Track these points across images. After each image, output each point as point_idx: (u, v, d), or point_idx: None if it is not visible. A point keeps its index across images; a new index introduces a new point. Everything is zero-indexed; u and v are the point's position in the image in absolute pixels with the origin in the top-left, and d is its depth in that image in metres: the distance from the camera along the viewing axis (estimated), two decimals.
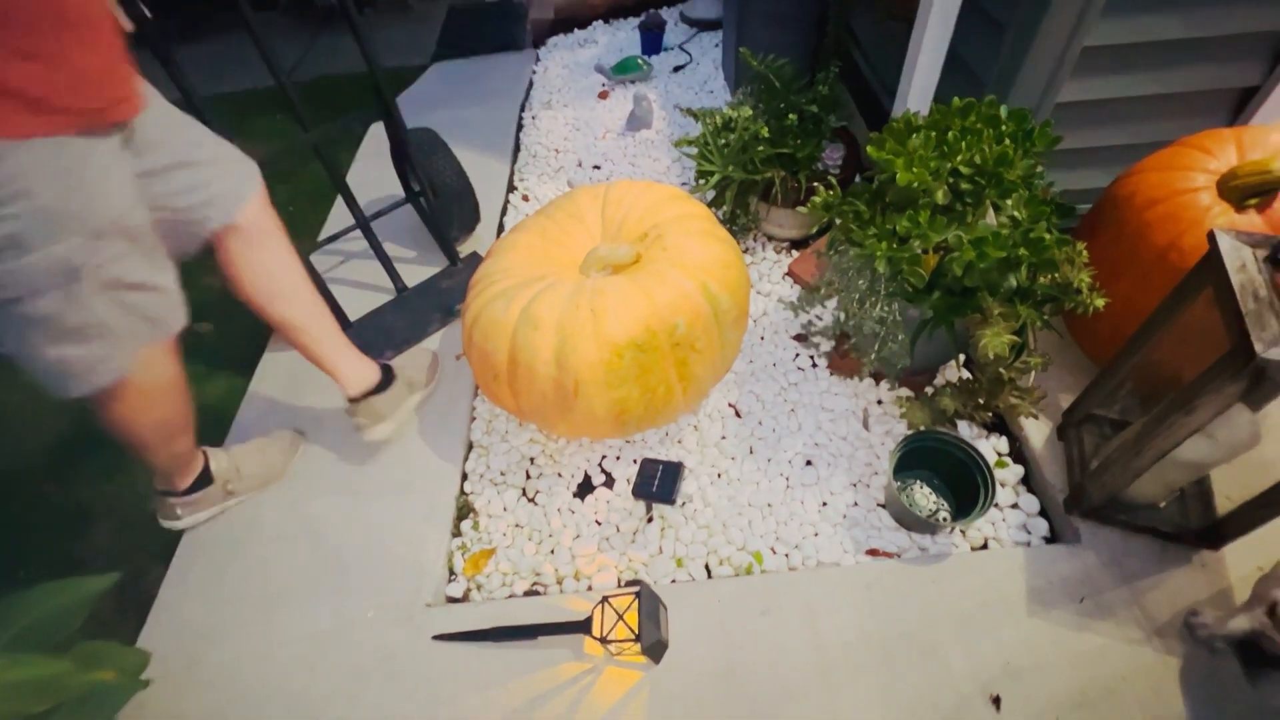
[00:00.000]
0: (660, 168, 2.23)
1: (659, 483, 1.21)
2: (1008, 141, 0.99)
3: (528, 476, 1.45)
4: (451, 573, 1.31)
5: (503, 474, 1.45)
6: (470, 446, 1.51)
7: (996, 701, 1.02)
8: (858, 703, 1.04)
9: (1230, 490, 1.14)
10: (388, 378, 1.41)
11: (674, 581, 1.24)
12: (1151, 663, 1.04)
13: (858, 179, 1.54)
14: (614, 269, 1.29)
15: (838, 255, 1.25)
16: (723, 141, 1.58)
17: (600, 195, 1.42)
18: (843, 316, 1.38)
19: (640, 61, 2.67)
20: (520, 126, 2.55)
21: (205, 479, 1.30)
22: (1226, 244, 0.87)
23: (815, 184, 1.66)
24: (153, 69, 1.05)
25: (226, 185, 1.08)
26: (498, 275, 1.32)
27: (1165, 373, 1.12)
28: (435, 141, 1.81)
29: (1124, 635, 1.06)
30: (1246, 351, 0.77)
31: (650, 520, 1.33)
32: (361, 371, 1.36)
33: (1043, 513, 1.25)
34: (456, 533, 1.37)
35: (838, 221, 1.24)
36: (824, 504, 1.32)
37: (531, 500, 1.41)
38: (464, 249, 1.97)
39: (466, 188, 1.88)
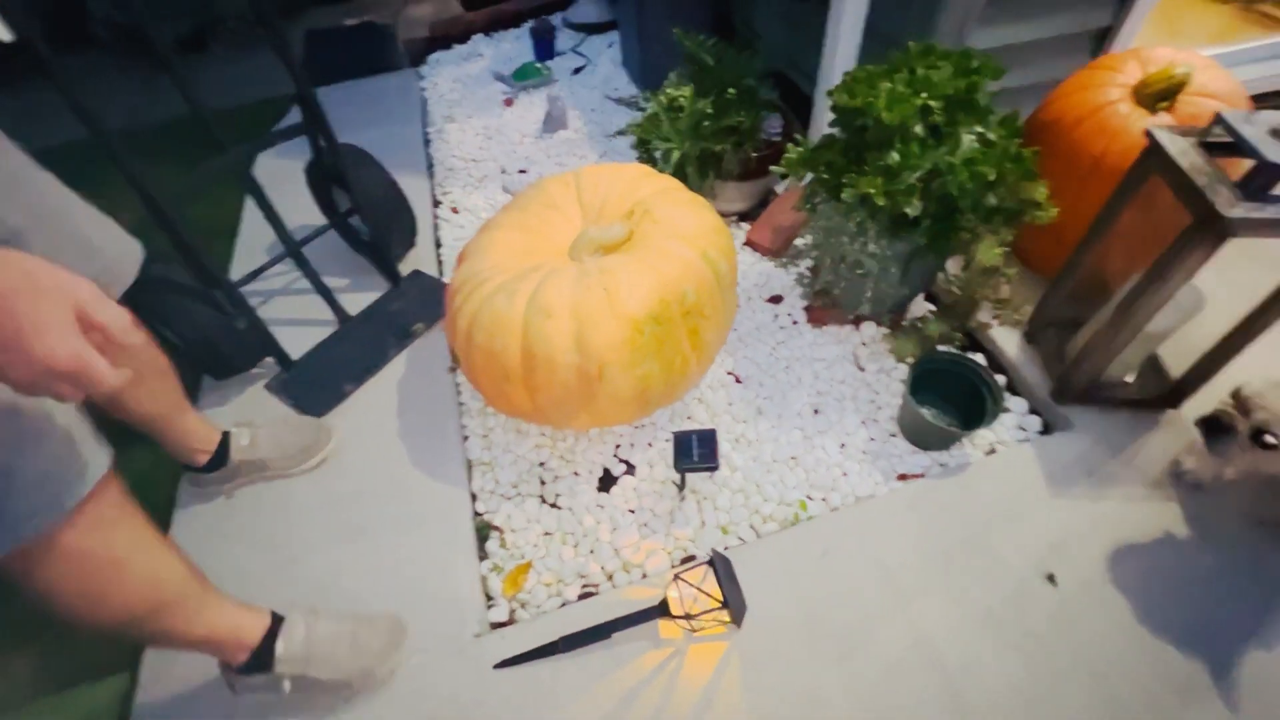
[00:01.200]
0: (588, 163, 2.22)
1: (699, 451, 1.20)
2: (973, 75, 1.09)
3: (542, 483, 1.37)
4: (489, 597, 1.21)
5: (514, 486, 1.37)
6: (470, 466, 1.41)
7: (1051, 578, 1.11)
8: (934, 609, 1.09)
9: (1173, 360, 1.32)
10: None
11: (725, 549, 1.23)
12: (1158, 511, 1.18)
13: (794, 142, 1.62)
14: (605, 250, 1.27)
15: (818, 208, 1.30)
16: (672, 119, 1.60)
17: (571, 182, 1.39)
18: (821, 270, 1.45)
19: (539, 67, 2.66)
20: (428, 142, 2.44)
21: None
22: (1165, 138, 1.02)
23: (758, 155, 1.74)
24: None
25: None
26: (487, 273, 1.24)
27: (1110, 267, 1.28)
28: (363, 156, 1.69)
29: (1130, 495, 1.20)
30: (1213, 216, 0.91)
31: (684, 497, 1.31)
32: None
33: (1032, 411, 1.39)
34: (484, 555, 1.27)
35: (808, 178, 1.31)
36: (842, 445, 1.37)
37: (554, 505, 1.33)
38: (403, 268, 1.84)
39: (402, 202, 1.76)
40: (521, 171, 2.23)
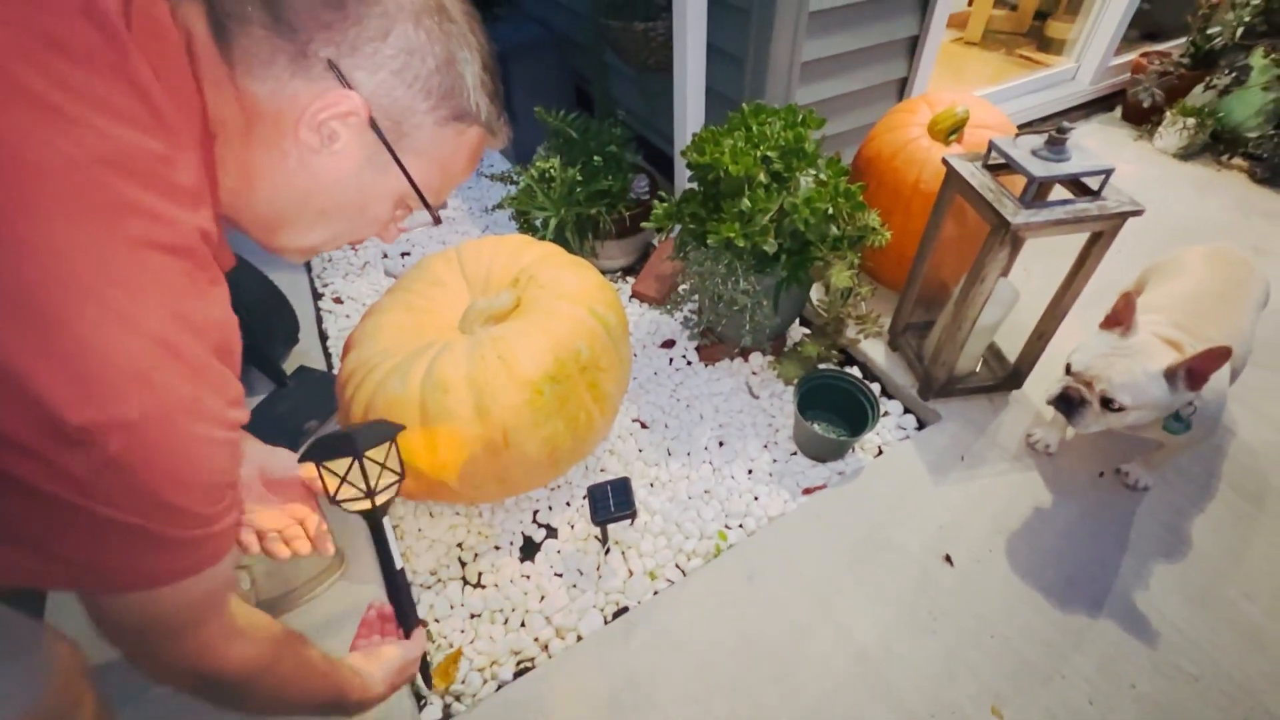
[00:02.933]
0: (473, 238, 2.25)
1: (614, 500, 1.22)
2: (799, 127, 1.26)
3: (462, 564, 1.33)
4: (420, 697, 1.14)
5: (433, 573, 1.32)
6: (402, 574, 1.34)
7: (948, 558, 1.22)
8: (853, 609, 1.16)
9: (1009, 348, 1.52)
10: None
11: (656, 593, 1.24)
12: (1022, 480, 1.33)
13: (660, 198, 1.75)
14: (495, 319, 1.29)
15: (690, 255, 1.41)
16: (545, 190, 1.69)
17: (454, 258, 1.42)
18: (703, 311, 1.55)
19: None
20: None
21: None
22: (957, 163, 1.22)
23: (630, 213, 1.86)
24: None
25: None
26: (377, 358, 1.23)
27: (944, 273, 1.47)
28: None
29: (996, 470, 1.35)
30: (1004, 223, 1.09)
31: (608, 550, 1.32)
32: None
33: (906, 411, 1.53)
34: None
35: (676, 230, 1.42)
36: (749, 471, 1.44)
37: (478, 585, 1.30)
38: (288, 366, 1.76)
39: (280, 299, 1.70)
40: (404, 255, 2.23)
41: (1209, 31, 2.33)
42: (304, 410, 1.61)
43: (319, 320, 1.99)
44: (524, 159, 2.11)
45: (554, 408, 1.19)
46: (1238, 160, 2.24)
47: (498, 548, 1.34)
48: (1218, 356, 0.96)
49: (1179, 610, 1.14)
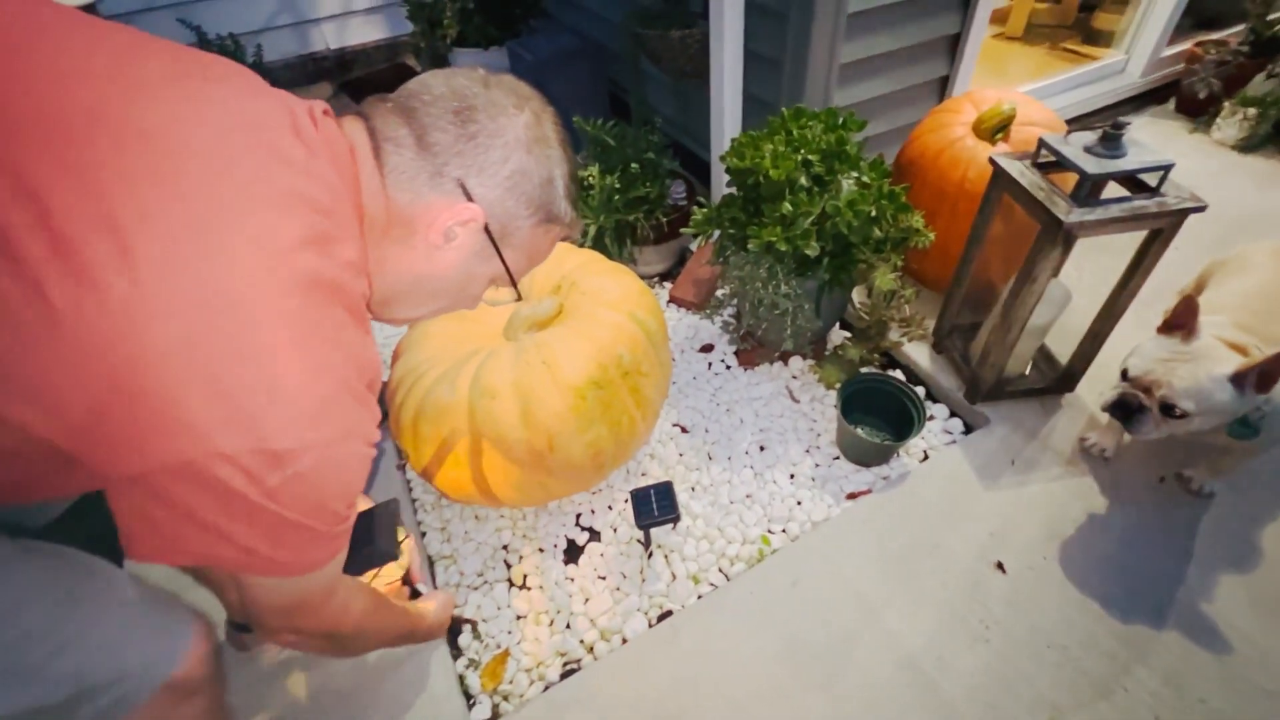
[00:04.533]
0: None
1: (658, 505, 1.22)
2: (840, 130, 1.25)
3: (508, 566, 1.35)
4: (469, 696, 1.17)
5: (480, 575, 1.34)
6: (431, 562, 1.38)
7: (1000, 565, 1.19)
8: (902, 616, 1.14)
9: (1061, 350, 1.48)
10: None
11: (700, 597, 1.24)
12: (1077, 485, 1.29)
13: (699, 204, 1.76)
14: (538, 326, 1.32)
15: (730, 260, 1.42)
16: (585, 197, 1.71)
17: None
18: (743, 315, 1.55)
19: None
20: None
21: None
22: (1005, 162, 1.19)
23: (667, 218, 1.87)
24: None
25: None
26: (424, 366, 1.27)
27: (991, 274, 1.44)
28: None
29: (1049, 475, 1.31)
30: (1056, 222, 1.06)
31: (651, 554, 1.33)
32: None
33: (952, 415, 1.50)
34: (457, 652, 1.23)
35: (716, 234, 1.43)
36: (792, 476, 1.43)
37: (523, 586, 1.32)
38: None
39: None
40: None
41: (1270, 18, 2.23)
42: None
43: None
44: None
45: (597, 412, 1.20)
46: None
47: (542, 550, 1.36)
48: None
49: (1250, 622, 1.09)
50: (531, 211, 0.67)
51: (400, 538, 1.06)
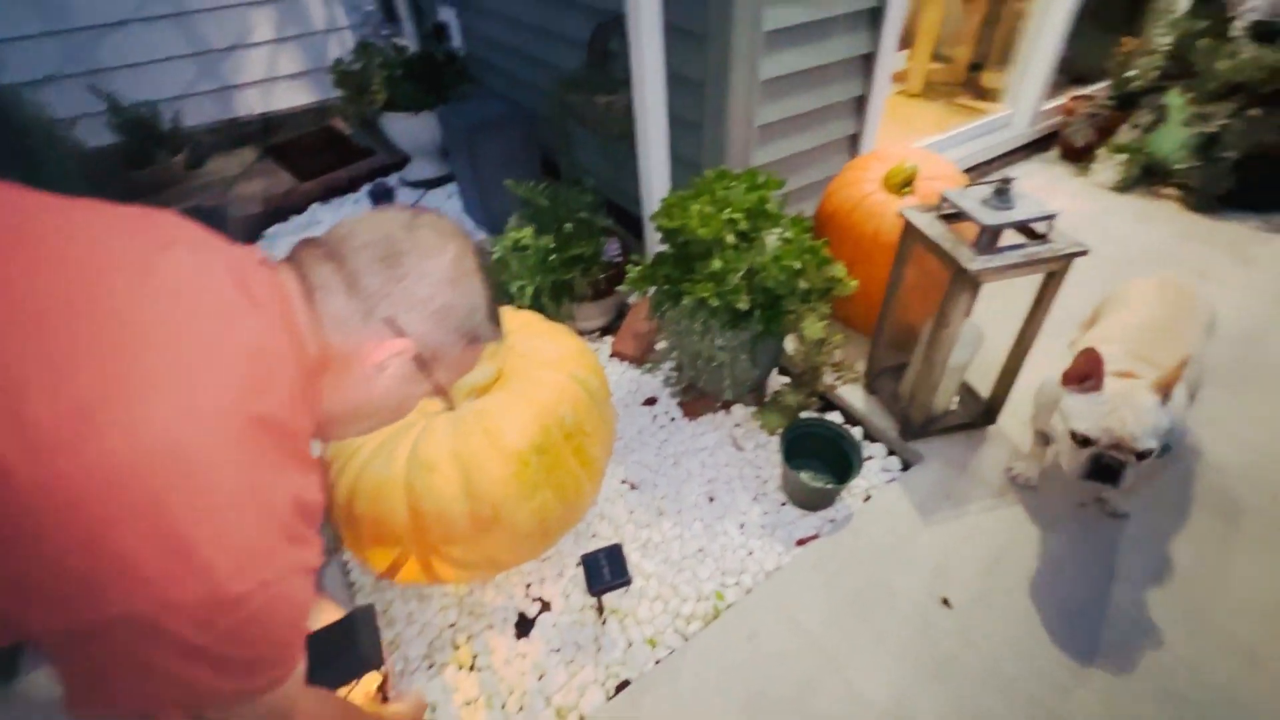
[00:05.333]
0: None
1: (609, 570, 1.20)
2: (760, 189, 1.32)
3: (455, 646, 1.29)
4: None
5: (426, 658, 1.27)
6: None
7: (946, 601, 1.22)
8: (862, 658, 1.15)
9: (981, 384, 1.57)
10: None
11: (658, 663, 1.21)
12: (1008, 515, 1.35)
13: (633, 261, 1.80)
14: (478, 392, 1.30)
15: (666, 315, 1.45)
16: (520, 259, 1.72)
17: None
18: (683, 367, 1.58)
19: None
20: None
21: None
22: (913, 215, 1.28)
23: (604, 275, 1.90)
24: None
25: None
26: (359, 440, 1.22)
27: (911, 317, 1.53)
28: None
29: (982, 507, 1.37)
30: (962, 270, 1.14)
31: (605, 620, 1.29)
32: None
33: (890, 453, 1.55)
34: None
35: (651, 290, 1.46)
36: (742, 526, 1.44)
37: (472, 668, 1.25)
38: None
39: None
40: None
41: (1127, 75, 2.53)
42: None
43: None
44: (496, 228, 2.16)
45: (542, 477, 1.18)
46: (1170, 189, 2.39)
47: (491, 627, 1.30)
48: (1181, 365, 1.02)
49: (1175, 636, 1.15)
50: (459, 337, 0.72)
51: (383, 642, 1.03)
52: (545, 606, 1.33)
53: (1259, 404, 1.55)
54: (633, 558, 1.38)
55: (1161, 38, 2.47)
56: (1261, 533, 1.30)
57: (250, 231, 3.09)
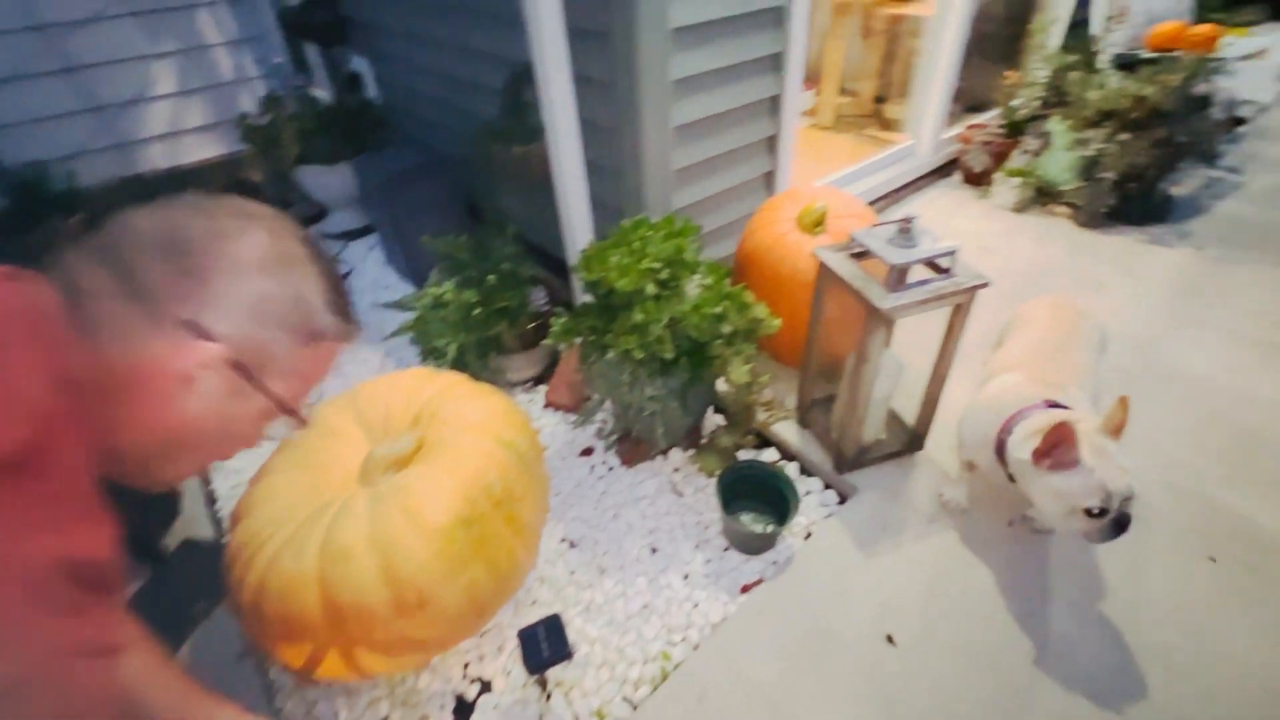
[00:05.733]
0: (372, 367, 2.18)
1: (548, 644, 1.14)
2: (677, 237, 1.32)
3: None
4: None
5: None
6: None
7: (890, 639, 1.21)
8: (814, 707, 1.13)
9: (907, 410, 1.61)
10: None
11: None
12: (942, 542, 1.38)
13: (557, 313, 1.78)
14: (398, 465, 1.23)
15: (594, 366, 1.42)
16: (440, 316, 1.66)
17: (349, 404, 1.35)
18: (617, 416, 1.55)
19: None
20: None
21: None
22: (826, 255, 1.31)
23: (533, 325, 1.87)
24: None
25: None
26: (267, 529, 1.12)
27: (835, 348, 1.56)
28: None
29: (917, 535, 1.39)
30: (874, 309, 1.17)
31: (550, 696, 1.22)
32: None
33: (826, 486, 1.56)
34: None
35: (578, 341, 1.43)
36: (685, 576, 1.41)
37: None
38: (171, 541, 1.59)
39: None
40: None
41: (1014, 105, 2.72)
42: (190, 593, 1.44)
43: (206, 481, 1.82)
44: (421, 280, 2.10)
45: (470, 552, 1.12)
46: (1061, 208, 2.57)
47: (426, 717, 1.21)
48: (1124, 408, 1.02)
49: (1106, 650, 1.18)
50: (289, 335, 0.62)
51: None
52: (485, 687, 1.25)
53: (1157, 409, 1.65)
54: (575, 623, 1.32)
55: (1039, 71, 2.68)
56: (1171, 538, 1.36)
57: None
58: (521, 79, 1.93)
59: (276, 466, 1.26)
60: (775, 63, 1.86)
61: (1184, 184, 2.64)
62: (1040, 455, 1.03)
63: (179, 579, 1.47)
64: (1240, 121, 3.08)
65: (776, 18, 1.78)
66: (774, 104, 1.94)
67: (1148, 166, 2.30)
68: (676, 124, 1.67)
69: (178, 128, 3.39)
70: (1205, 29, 2.56)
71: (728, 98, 1.78)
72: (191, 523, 1.65)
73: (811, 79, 3.49)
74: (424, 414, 1.29)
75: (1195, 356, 1.82)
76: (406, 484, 1.13)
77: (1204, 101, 2.63)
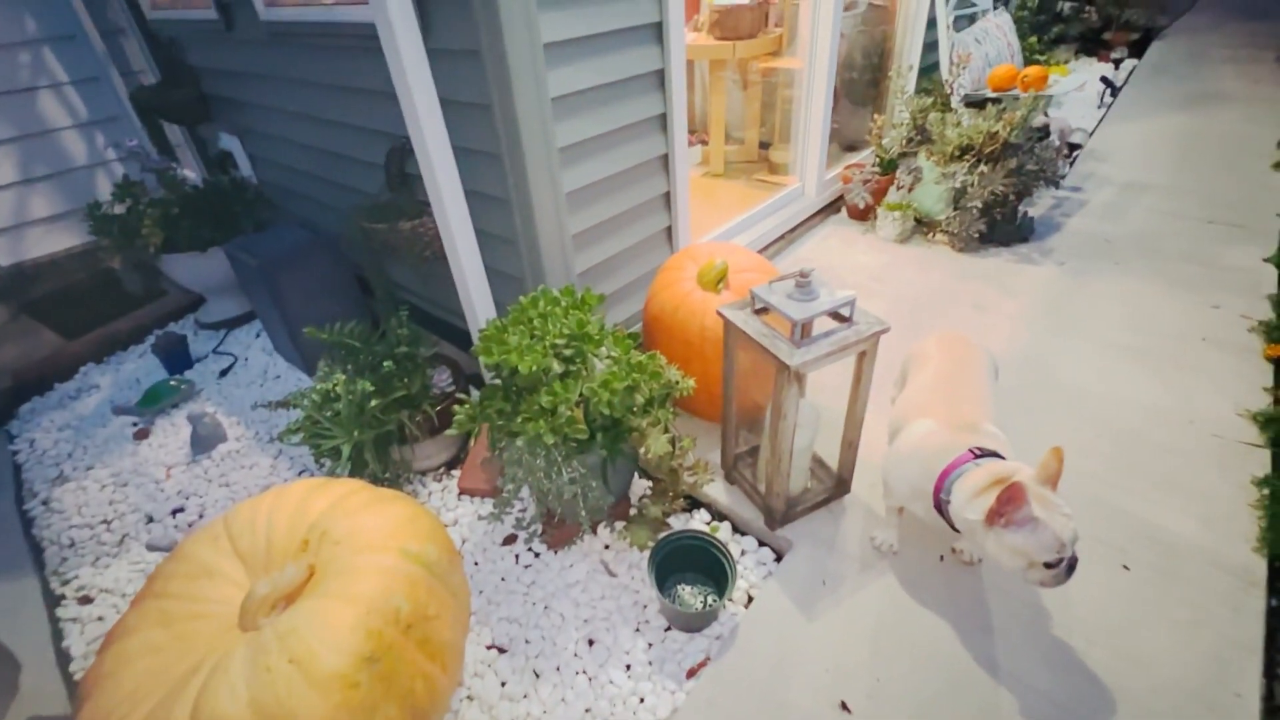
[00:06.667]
0: (261, 472, 1.96)
1: None
2: (579, 310, 1.27)
3: None
4: None
5: None
6: None
7: (845, 706, 1.16)
8: None
9: (828, 456, 1.60)
10: None
11: None
12: (880, 587, 1.36)
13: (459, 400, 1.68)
14: (287, 600, 1.07)
15: (505, 451, 1.32)
16: (331, 413, 1.52)
17: (220, 534, 1.18)
18: (537, 500, 1.45)
19: (173, 383, 2.35)
20: (29, 522, 1.90)
21: None
22: (730, 314, 1.30)
23: (438, 408, 1.75)
24: None
25: None
26: (123, 708, 0.94)
27: (754, 398, 1.54)
28: None
29: (856, 585, 1.37)
30: (783, 364, 1.16)
31: None
32: None
33: (761, 544, 1.52)
34: None
35: (484, 426, 1.34)
36: (628, 667, 1.31)
37: None
38: (16, 715, 1.32)
39: None
40: (178, 511, 1.86)
41: (884, 144, 2.92)
42: None
43: (58, 635, 1.55)
44: (312, 368, 1.93)
45: (379, 693, 0.98)
46: (940, 236, 2.75)
47: None
48: (1059, 459, 1.04)
49: (1049, 680, 1.18)
50: None
51: None
52: None
53: (1049, 421, 1.74)
54: None
55: (902, 112, 2.90)
56: (1085, 548, 1.40)
57: None
58: (403, 152, 1.86)
59: (132, 626, 1.06)
60: (661, 123, 1.89)
61: (1039, 205, 2.91)
62: (994, 515, 1.02)
63: None
64: (1076, 146, 3.47)
65: (656, 81, 1.82)
66: (664, 161, 1.96)
67: (1006, 193, 2.52)
68: (569, 189, 1.65)
69: (22, 219, 3.06)
70: (1036, 70, 2.87)
71: (618, 160, 1.78)
72: (39, 696, 1.38)
73: (703, 130, 3.63)
74: (314, 535, 1.14)
75: (1072, 367, 1.95)
76: (294, 625, 0.98)
77: (1044, 132, 2.94)
